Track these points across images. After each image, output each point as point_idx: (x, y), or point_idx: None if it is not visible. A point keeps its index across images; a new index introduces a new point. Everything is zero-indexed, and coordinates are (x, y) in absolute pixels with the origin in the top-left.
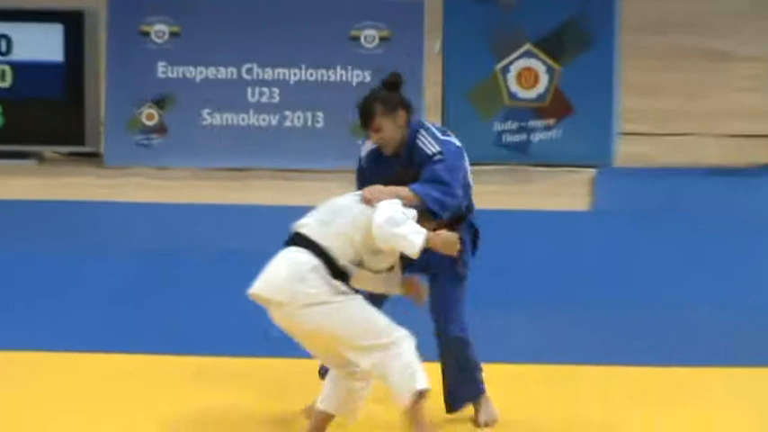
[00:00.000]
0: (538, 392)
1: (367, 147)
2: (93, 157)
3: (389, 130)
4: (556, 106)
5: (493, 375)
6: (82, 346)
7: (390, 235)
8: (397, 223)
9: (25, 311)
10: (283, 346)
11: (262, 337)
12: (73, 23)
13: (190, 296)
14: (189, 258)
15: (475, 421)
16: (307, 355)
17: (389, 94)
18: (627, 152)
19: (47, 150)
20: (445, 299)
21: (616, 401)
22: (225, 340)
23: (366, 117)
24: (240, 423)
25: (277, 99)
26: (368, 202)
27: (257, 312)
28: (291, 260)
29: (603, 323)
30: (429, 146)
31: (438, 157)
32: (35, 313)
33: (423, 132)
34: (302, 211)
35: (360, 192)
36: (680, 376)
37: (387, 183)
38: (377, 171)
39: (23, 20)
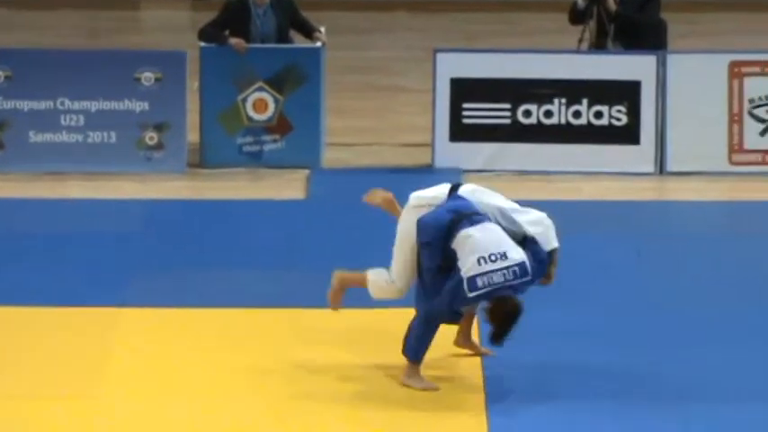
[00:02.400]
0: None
1: None
2: None
3: None
4: (281, 125)
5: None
6: None
7: None
8: None
9: None
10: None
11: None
12: None
13: (25, 262)
14: (21, 236)
15: None
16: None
17: None
18: (331, 157)
19: None
20: None
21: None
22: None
23: None
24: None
25: (83, 123)
26: None
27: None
28: None
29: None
30: None
31: None
32: None
33: None
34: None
35: None
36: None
37: None
38: None
39: None
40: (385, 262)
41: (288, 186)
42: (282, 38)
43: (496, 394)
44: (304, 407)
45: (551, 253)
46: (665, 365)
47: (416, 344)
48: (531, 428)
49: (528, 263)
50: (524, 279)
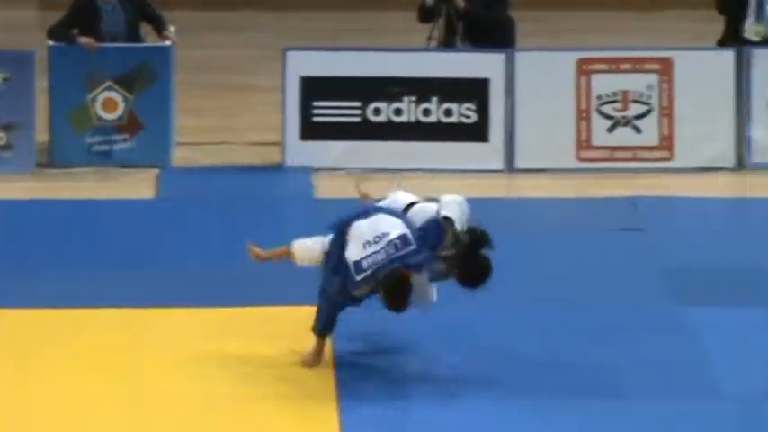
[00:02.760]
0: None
1: None
2: None
3: None
4: (131, 125)
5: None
6: None
7: None
8: None
9: None
10: None
11: None
12: None
13: None
14: None
15: None
16: None
17: None
18: (181, 157)
19: None
20: None
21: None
22: None
23: None
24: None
25: None
26: None
27: None
28: None
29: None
30: None
31: None
32: None
33: None
34: None
35: None
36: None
37: None
38: None
39: None
40: (234, 262)
41: (138, 186)
42: (133, 34)
43: (348, 388)
44: (147, 407)
45: (446, 221)
46: (519, 361)
47: (320, 319)
48: (380, 422)
49: (409, 234)
50: (408, 249)
